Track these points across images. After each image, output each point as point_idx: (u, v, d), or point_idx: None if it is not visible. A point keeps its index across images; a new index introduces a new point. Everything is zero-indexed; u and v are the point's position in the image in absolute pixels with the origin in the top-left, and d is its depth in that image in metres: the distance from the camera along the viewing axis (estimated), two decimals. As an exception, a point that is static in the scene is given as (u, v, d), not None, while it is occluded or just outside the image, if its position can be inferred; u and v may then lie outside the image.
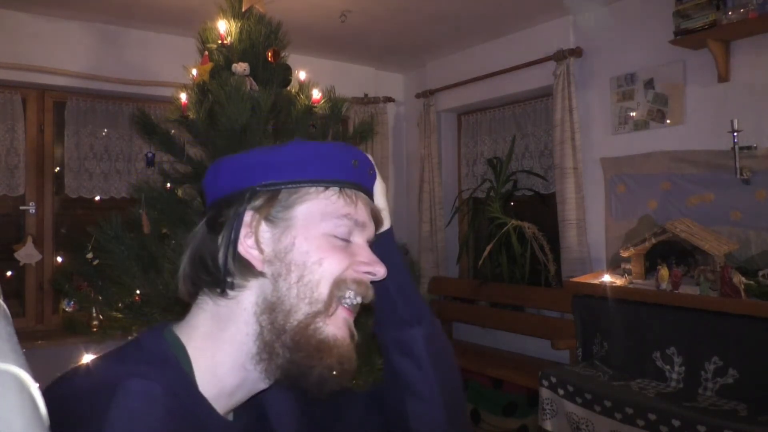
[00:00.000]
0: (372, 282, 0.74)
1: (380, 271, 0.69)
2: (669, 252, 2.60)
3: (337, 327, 0.65)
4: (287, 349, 0.63)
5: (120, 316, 1.94)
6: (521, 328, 3.56)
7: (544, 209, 3.65)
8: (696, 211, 2.74)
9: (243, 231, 0.66)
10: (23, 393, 0.42)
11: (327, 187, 0.68)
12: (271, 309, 0.64)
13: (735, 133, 2.49)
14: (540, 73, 3.46)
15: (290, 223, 0.66)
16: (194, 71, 2.16)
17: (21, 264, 3.20)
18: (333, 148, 0.72)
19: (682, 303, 2.38)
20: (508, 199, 3.83)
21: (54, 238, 3.34)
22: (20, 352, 0.46)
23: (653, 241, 2.55)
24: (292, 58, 2.31)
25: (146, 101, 3.45)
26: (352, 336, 0.68)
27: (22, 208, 3.28)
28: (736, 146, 2.49)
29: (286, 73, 2.23)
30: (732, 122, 2.49)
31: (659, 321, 2.48)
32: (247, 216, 0.66)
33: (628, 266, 2.67)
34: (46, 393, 0.53)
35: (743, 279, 2.22)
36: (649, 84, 2.99)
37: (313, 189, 0.68)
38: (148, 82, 3.41)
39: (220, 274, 0.66)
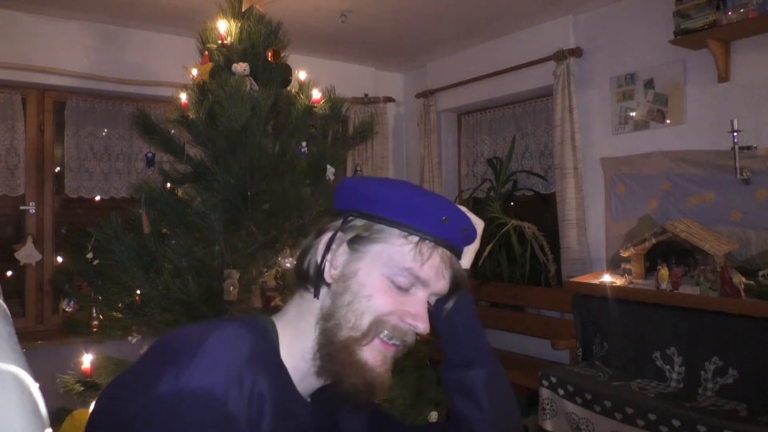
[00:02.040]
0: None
1: (421, 327, 0.74)
2: (669, 252, 2.60)
3: (371, 355, 0.72)
4: (328, 357, 0.72)
5: (120, 316, 1.94)
6: (521, 328, 3.56)
7: (544, 209, 3.65)
8: (696, 211, 2.74)
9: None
10: (23, 393, 0.42)
11: (406, 235, 0.74)
12: (326, 318, 0.73)
13: (735, 133, 2.48)
14: (540, 73, 3.46)
15: (362, 255, 0.74)
16: (194, 71, 2.15)
17: (21, 264, 3.20)
18: (428, 199, 0.76)
19: (682, 303, 2.38)
20: (508, 199, 3.83)
21: (54, 238, 3.34)
22: (20, 352, 0.46)
23: (653, 241, 2.55)
24: (292, 58, 2.31)
25: (146, 101, 3.45)
26: (385, 366, 0.74)
27: (22, 208, 3.28)
28: (736, 146, 2.49)
29: (286, 73, 2.23)
30: (732, 122, 2.49)
31: (659, 321, 2.48)
32: (336, 236, 0.76)
33: (628, 266, 2.67)
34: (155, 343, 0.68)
35: (743, 279, 2.22)
36: (649, 84, 2.99)
37: (395, 231, 0.74)
38: (148, 82, 3.41)
39: (303, 272, 0.77)
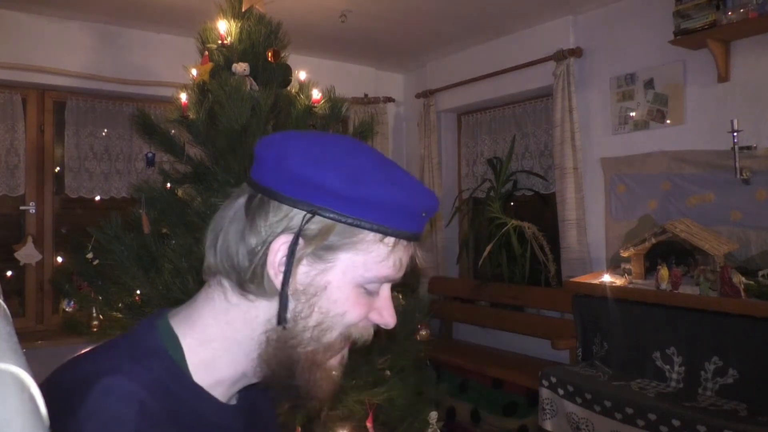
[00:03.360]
0: None
1: (391, 323, 0.67)
2: (669, 252, 2.60)
3: (335, 360, 0.67)
4: (286, 371, 0.64)
5: (120, 316, 1.94)
6: (521, 328, 3.56)
7: (544, 209, 3.65)
8: (696, 211, 2.74)
9: (280, 256, 0.62)
10: (23, 393, 0.42)
11: (382, 238, 0.63)
12: (280, 332, 0.63)
13: (735, 133, 2.48)
14: (540, 73, 3.46)
15: (330, 266, 0.62)
16: (194, 71, 2.16)
17: (21, 264, 3.21)
18: (409, 195, 0.63)
19: (682, 303, 2.37)
20: (508, 199, 3.83)
21: (54, 238, 3.34)
22: (20, 352, 0.46)
23: (653, 241, 2.55)
24: (292, 58, 2.31)
25: (146, 101, 3.45)
26: (343, 362, 0.69)
27: (22, 208, 3.28)
28: (736, 146, 2.49)
29: (286, 73, 2.23)
30: (732, 122, 2.49)
31: (659, 321, 2.48)
32: (298, 243, 0.61)
33: (628, 266, 2.67)
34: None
35: (743, 279, 2.22)
36: (649, 84, 2.99)
37: (370, 236, 0.62)
38: (148, 82, 3.41)
39: (242, 276, 0.63)
